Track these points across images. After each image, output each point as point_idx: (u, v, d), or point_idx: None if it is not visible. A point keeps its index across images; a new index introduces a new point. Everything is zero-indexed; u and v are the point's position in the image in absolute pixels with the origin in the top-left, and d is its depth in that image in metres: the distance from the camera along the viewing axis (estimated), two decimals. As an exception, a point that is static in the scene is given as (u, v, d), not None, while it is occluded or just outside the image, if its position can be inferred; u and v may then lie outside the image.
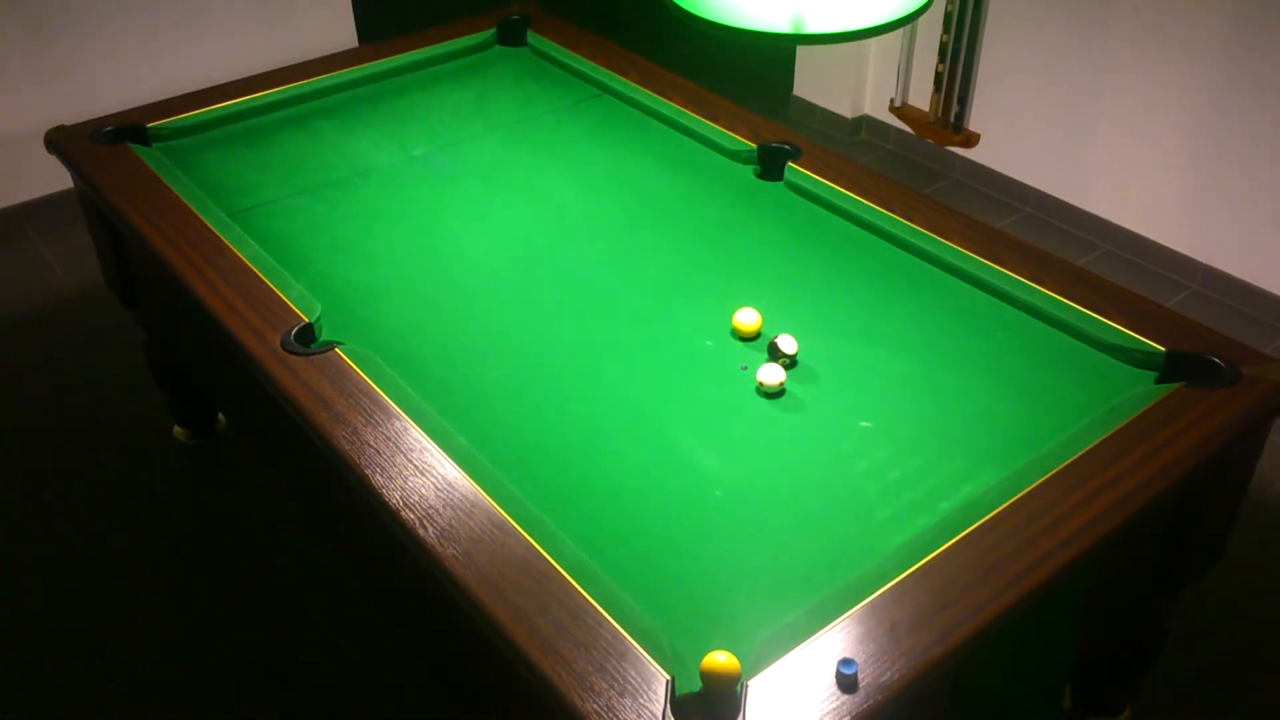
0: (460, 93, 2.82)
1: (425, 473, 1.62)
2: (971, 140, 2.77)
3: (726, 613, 1.48)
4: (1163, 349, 1.85)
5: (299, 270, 2.14)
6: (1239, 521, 1.95)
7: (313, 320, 1.95)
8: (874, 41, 4.20)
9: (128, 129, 2.55)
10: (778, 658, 1.36)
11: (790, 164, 2.40)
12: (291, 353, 1.86)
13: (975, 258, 2.10)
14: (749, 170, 2.47)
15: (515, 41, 3.04)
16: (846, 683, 1.31)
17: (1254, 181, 3.27)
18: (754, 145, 2.48)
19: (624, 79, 2.76)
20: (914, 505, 1.63)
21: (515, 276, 2.17)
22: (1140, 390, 1.80)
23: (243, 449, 2.95)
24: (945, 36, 2.63)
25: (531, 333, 2.02)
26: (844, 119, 4.39)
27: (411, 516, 1.55)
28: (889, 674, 1.33)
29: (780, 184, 2.42)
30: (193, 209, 2.25)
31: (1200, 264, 3.49)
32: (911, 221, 2.20)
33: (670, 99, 2.67)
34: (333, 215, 2.35)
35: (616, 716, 1.28)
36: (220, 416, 2.97)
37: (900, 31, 2.96)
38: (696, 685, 1.31)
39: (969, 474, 1.68)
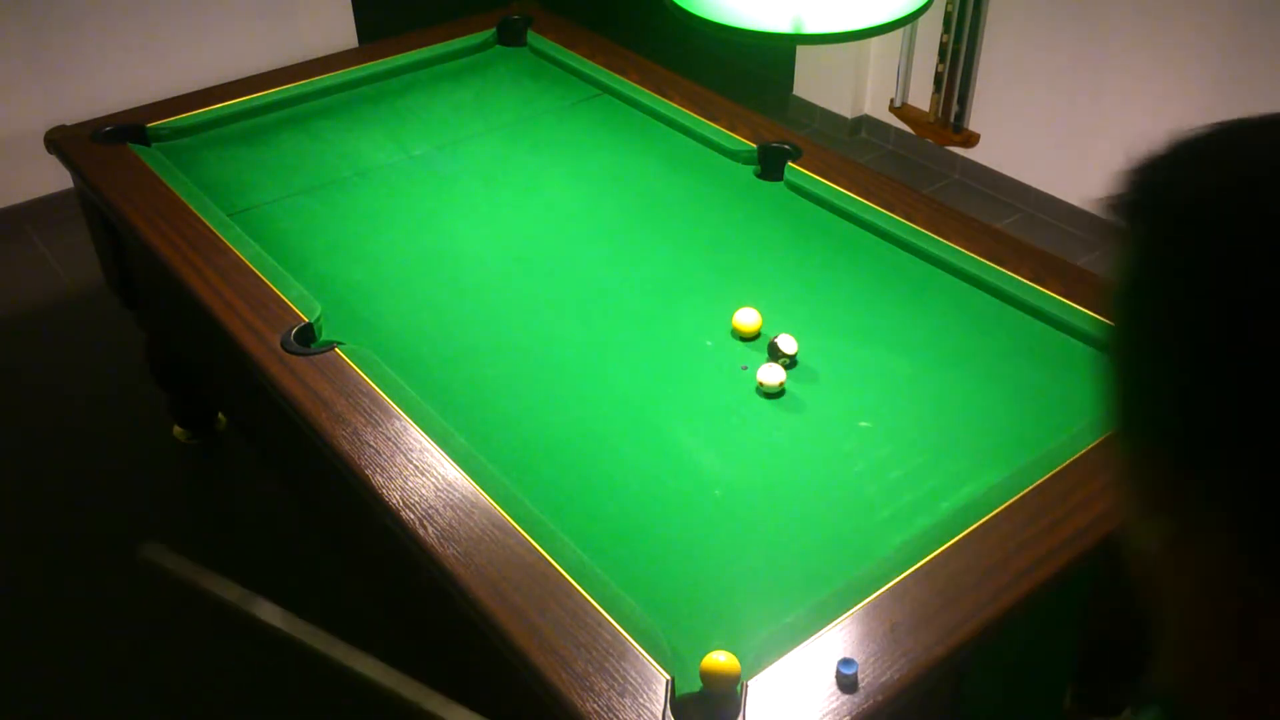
0: (460, 92, 2.82)
1: (425, 473, 1.62)
2: (971, 140, 2.77)
3: (726, 613, 1.48)
4: (1163, 349, 1.85)
5: (299, 270, 2.14)
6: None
7: (313, 320, 1.95)
8: (874, 41, 4.20)
9: (128, 129, 2.55)
10: (778, 658, 1.36)
11: (790, 164, 2.40)
12: (291, 353, 1.86)
13: (975, 258, 2.10)
14: (749, 170, 2.47)
15: (515, 41, 3.03)
16: (846, 683, 1.31)
17: (1254, 181, 3.26)
18: (754, 145, 2.47)
19: (624, 79, 2.76)
20: (914, 505, 1.63)
21: (515, 276, 2.17)
22: (1140, 390, 1.80)
23: (243, 449, 2.95)
24: (945, 36, 2.63)
25: (531, 332, 2.02)
26: (844, 119, 4.39)
27: (411, 516, 1.55)
28: (889, 674, 1.32)
29: (780, 184, 2.41)
30: (193, 209, 2.25)
31: (1200, 264, 3.48)
32: (911, 221, 2.20)
33: (670, 99, 2.66)
34: (333, 215, 2.35)
35: (616, 716, 1.28)
36: (220, 416, 2.97)
37: (900, 31, 2.96)
38: (696, 685, 1.31)
39: (969, 474, 1.68)
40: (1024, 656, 1.73)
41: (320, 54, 2.98)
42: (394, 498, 1.58)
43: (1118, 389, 0.53)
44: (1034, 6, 3.60)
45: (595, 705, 1.29)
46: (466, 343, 2.00)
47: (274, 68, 2.87)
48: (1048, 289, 2.00)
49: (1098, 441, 1.66)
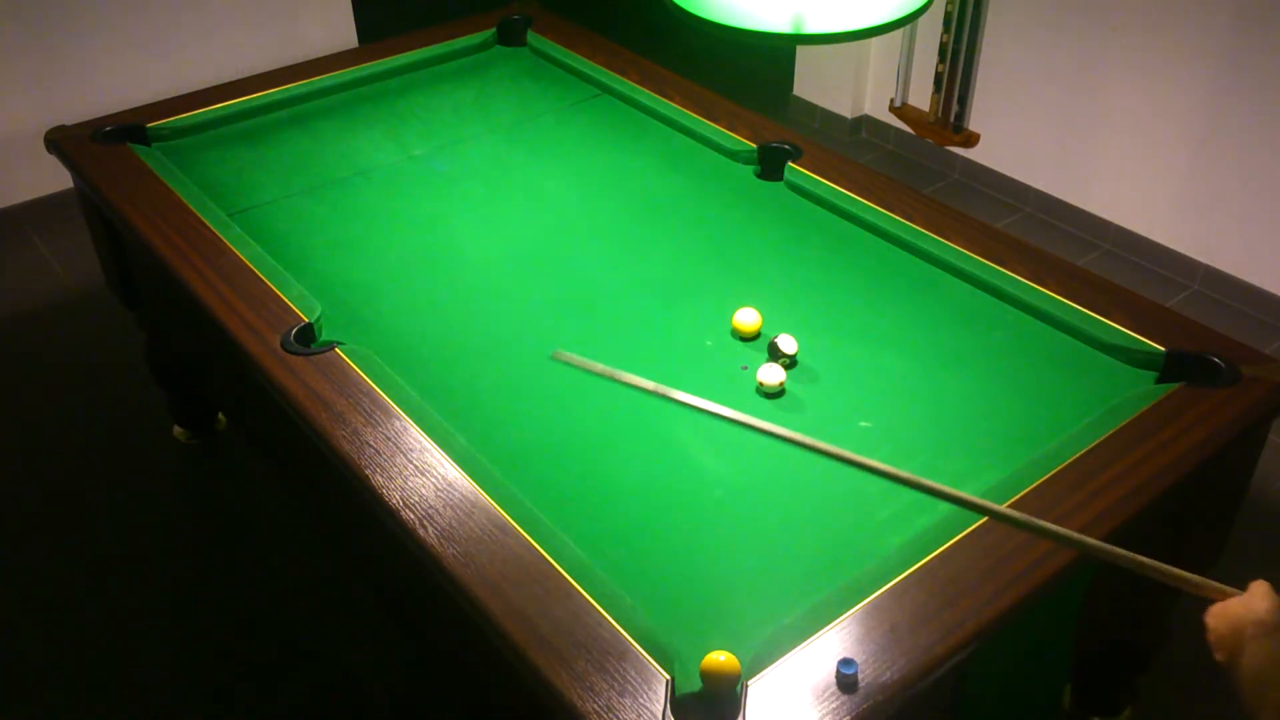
0: (460, 93, 2.82)
1: (425, 473, 1.62)
2: (971, 140, 2.77)
3: (726, 613, 1.48)
4: (1163, 349, 1.85)
5: (299, 270, 2.14)
6: (1239, 521, 1.95)
7: (313, 320, 1.95)
8: (874, 41, 4.20)
9: (128, 129, 2.55)
10: (778, 658, 1.36)
11: (790, 164, 2.40)
12: (291, 353, 1.86)
13: (975, 258, 2.10)
14: (749, 170, 2.47)
15: (515, 41, 3.04)
16: (846, 683, 1.31)
17: (1254, 181, 3.27)
18: (754, 145, 2.48)
19: (624, 79, 2.76)
20: (914, 505, 1.63)
21: (515, 276, 2.17)
22: (1140, 390, 1.80)
23: (243, 449, 2.95)
24: (945, 36, 2.63)
25: (531, 332, 2.02)
26: (844, 119, 4.39)
27: (411, 516, 1.55)
28: (889, 674, 1.32)
29: (780, 184, 2.41)
30: (193, 209, 2.25)
31: (1200, 264, 3.49)
32: (911, 221, 2.20)
33: (670, 99, 2.66)
34: (333, 215, 2.35)
35: (616, 716, 1.28)
36: (220, 416, 2.97)
37: (900, 31, 2.96)
38: (696, 685, 1.31)
39: (969, 474, 1.68)
40: (1023, 656, 1.73)
41: (320, 54, 2.98)
42: (394, 498, 1.58)
43: None
44: (1034, 6, 3.61)
45: (595, 705, 1.29)
46: (466, 342, 2.00)
47: (274, 68, 2.87)
48: (1048, 289, 2.00)
49: (1097, 441, 1.66)
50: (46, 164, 3.73)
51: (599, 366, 1.43)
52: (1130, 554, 1.22)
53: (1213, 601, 1.22)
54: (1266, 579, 1.22)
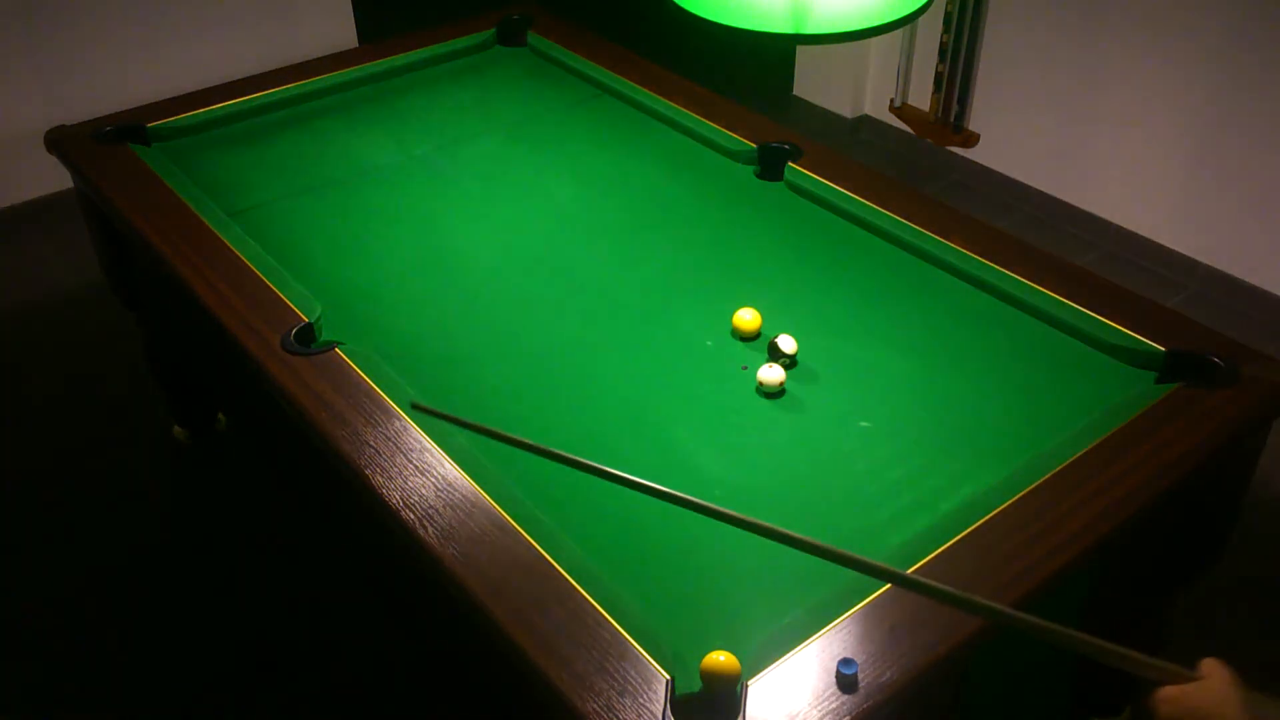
0: (461, 93, 2.82)
1: (425, 473, 1.62)
2: (971, 140, 2.77)
3: (726, 613, 1.48)
4: (1162, 349, 1.85)
5: (299, 270, 2.14)
6: (1239, 521, 1.95)
7: (313, 320, 1.95)
8: (874, 41, 4.20)
9: (128, 129, 2.55)
10: (778, 658, 1.36)
11: (790, 164, 2.40)
12: (291, 353, 1.86)
13: (975, 258, 2.10)
14: (749, 170, 2.47)
15: (515, 41, 3.04)
16: (846, 683, 1.31)
17: (1254, 181, 3.27)
18: (754, 145, 2.48)
19: (624, 79, 2.76)
20: (914, 505, 1.63)
21: (515, 276, 2.17)
22: (1140, 390, 1.80)
23: (243, 449, 2.95)
24: (945, 36, 2.64)
25: (531, 332, 2.02)
26: (844, 119, 4.39)
27: (411, 516, 1.55)
28: (889, 674, 1.33)
29: (780, 184, 2.42)
30: (193, 209, 2.25)
31: (1200, 264, 3.49)
32: (912, 221, 2.20)
33: (670, 99, 2.66)
34: (333, 215, 2.35)
35: (616, 716, 1.28)
36: (220, 416, 2.97)
37: (900, 31, 2.96)
38: (696, 685, 1.31)
39: (969, 474, 1.68)
40: (1024, 656, 1.73)
41: (320, 54, 2.98)
42: (394, 498, 1.58)
43: None
44: (1034, 6, 3.61)
45: (595, 705, 1.29)
46: (466, 343, 2.00)
47: (274, 68, 2.87)
48: (1048, 289, 2.00)
49: (1097, 441, 1.66)
50: (46, 164, 3.72)
51: (461, 420, 1.42)
52: (1052, 626, 1.16)
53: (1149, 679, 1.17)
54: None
